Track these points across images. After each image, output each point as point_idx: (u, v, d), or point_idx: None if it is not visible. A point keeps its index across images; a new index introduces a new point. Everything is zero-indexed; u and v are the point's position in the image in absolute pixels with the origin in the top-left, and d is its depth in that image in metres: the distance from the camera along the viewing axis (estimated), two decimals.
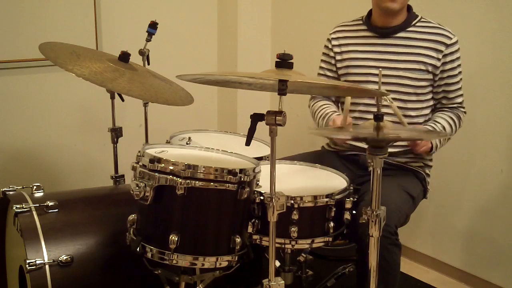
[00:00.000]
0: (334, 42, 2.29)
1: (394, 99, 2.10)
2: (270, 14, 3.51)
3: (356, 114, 2.19)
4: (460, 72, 2.14)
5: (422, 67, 2.10)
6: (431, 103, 2.18)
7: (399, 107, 2.13)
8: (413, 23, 2.15)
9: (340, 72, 2.26)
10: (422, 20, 2.16)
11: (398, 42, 2.14)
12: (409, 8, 2.18)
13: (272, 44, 3.52)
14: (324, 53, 2.34)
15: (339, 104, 2.33)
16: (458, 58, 2.12)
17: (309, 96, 2.38)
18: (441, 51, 2.09)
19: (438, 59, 2.09)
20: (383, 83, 2.04)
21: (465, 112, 2.19)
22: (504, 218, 2.54)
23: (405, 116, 2.13)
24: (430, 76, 2.12)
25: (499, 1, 2.43)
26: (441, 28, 2.12)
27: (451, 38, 2.09)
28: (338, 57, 2.27)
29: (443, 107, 2.18)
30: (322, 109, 2.27)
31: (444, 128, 2.11)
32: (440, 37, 2.10)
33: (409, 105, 2.14)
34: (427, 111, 2.17)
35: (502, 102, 2.48)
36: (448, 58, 2.10)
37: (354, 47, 2.24)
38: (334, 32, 2.31)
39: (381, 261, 1.62)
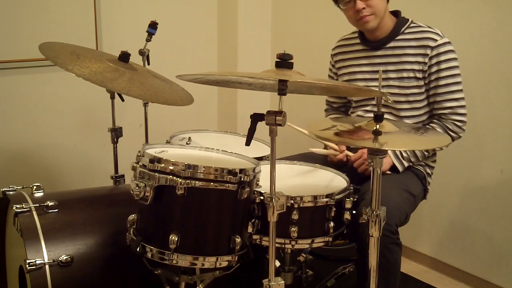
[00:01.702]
0: (335, 58, 2.34)
1: (387, 107, 2.11)
2: (270, 14, 3.51)
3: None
4: (452, 75, 2.05)
5: (411, 75, 2.08)
6: (428, 109, 2.14)
7: (393, 114, 2.14)
8: (402, 30, 2.12)
9: None
10: (412, 25, 2.13)
11: (388, 53, 2.14)
12: (397, 14, 2.16)
13: (272, 44, 3.52)
14: (329, 68, 2.40)
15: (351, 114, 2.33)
16: (447, 60, 2.04)
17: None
18: (427, 55, 2.05)
19: (425, 63, 2.06)
20: None
21: (460, 121, 2.08)
22: (504, 218, 2.54)
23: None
24: (421, 83, 2.09)
25: (499, 0, 2.43)
26: (429, 31, 2.08)
27: (436, 40, 2.05)
28: (339, 72, 2.32)
29: (435, 113, 2.13)
30: None
31: (413, 155, 2.10)
32: (426, 41, 2.06)
33: (403, 114, 2.13)
34: (425, 117, 2.15)
35: (502, 102, 2.48)
36: (434, 60, 2.05)
37: (350, 62, 2.26)
38: (334, 48, 2.35)
39: (382, 260, 1.62)
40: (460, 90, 2.07)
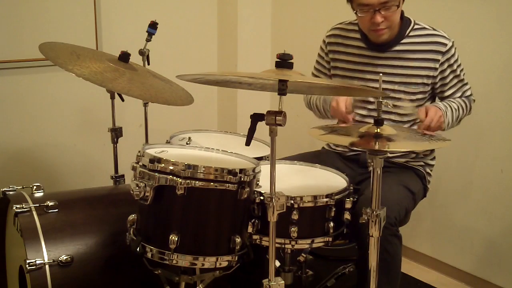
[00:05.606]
0: (329, 48, 2.23)
1: (391, 112, 2.10)
2: (270, 14, 3.51)
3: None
4: (461, 70, 2.10)
5: (419, 80, 2.06)
6: (429, 102, 2.15)
7: (396, 121, 2.11)
8: (407, 32, 2.08)
9: (334, 79, 2.22)
10: (416, 26, 2.09)
11: (394, 56, 2.09)
12: (401, 14, 2.08)
13: (272, 44, 3.52)
14: (319, 55, 2.29)
15: None
16: (456, 60, 2.08)
17: None
18: (437, 60, 2.04)
19: (435, 69, 2.05)
20: None
21: (474, 100, 2.18)
22: (504, 218, 2.54)
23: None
24: (427, 88, 2.09)
25: (500, 1, 2.43)
26: (436, 35, 2.05)
27: (446, 45, 2.04)
28: (332, 64, 2.23)
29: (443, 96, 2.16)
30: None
31: (458, 108, 2.08)
32: (436, 46, 2.04)
33: (406, 118, 2.12)
34: None
35: (502, 102, 2.48)
36: (446, 65, 2.05)
37: (347, 57, 2.17)
38: (329, 36, 2.24)
39: (383, 252, 1.61)
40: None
